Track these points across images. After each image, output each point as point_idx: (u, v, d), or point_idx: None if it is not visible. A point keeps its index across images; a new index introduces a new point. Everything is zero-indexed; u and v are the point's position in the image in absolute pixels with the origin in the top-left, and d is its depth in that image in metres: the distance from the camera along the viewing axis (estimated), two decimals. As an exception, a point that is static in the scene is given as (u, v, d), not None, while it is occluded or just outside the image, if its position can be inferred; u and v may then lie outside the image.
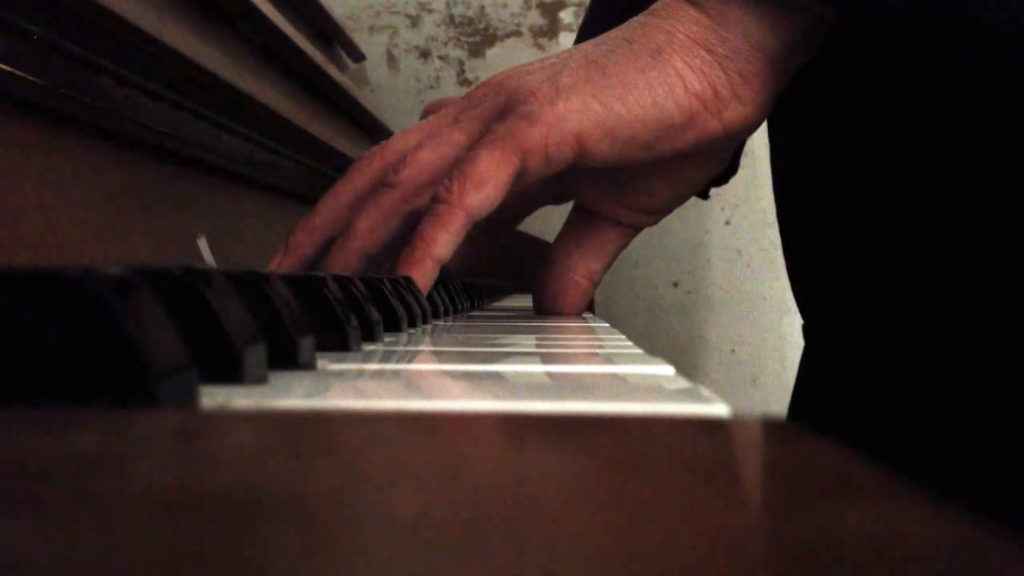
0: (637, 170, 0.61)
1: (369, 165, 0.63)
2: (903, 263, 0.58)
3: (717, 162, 0.62)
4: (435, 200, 0.58)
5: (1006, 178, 0.54)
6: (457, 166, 0.58)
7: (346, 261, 0.61)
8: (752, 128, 0.59)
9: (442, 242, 0.58)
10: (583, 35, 0.76)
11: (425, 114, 0.71)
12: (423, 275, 0.59)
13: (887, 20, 0.54)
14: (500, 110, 0.59)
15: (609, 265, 0.69)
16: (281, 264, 0.63)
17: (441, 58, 1.79)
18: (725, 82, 0.56)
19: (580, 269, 0.68)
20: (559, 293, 0.68)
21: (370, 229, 0.61)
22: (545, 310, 0.69)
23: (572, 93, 0.57)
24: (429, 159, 0.60)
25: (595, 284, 0.69)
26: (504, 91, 0.59)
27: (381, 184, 0.61)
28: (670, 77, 0.56)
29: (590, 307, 1.34)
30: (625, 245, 0.69)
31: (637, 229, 0.68)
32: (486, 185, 0.57)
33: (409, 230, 0.61)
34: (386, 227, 0.61)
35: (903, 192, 0.58)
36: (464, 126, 0.60)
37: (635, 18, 0.59)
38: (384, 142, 0.64)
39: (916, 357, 0.59)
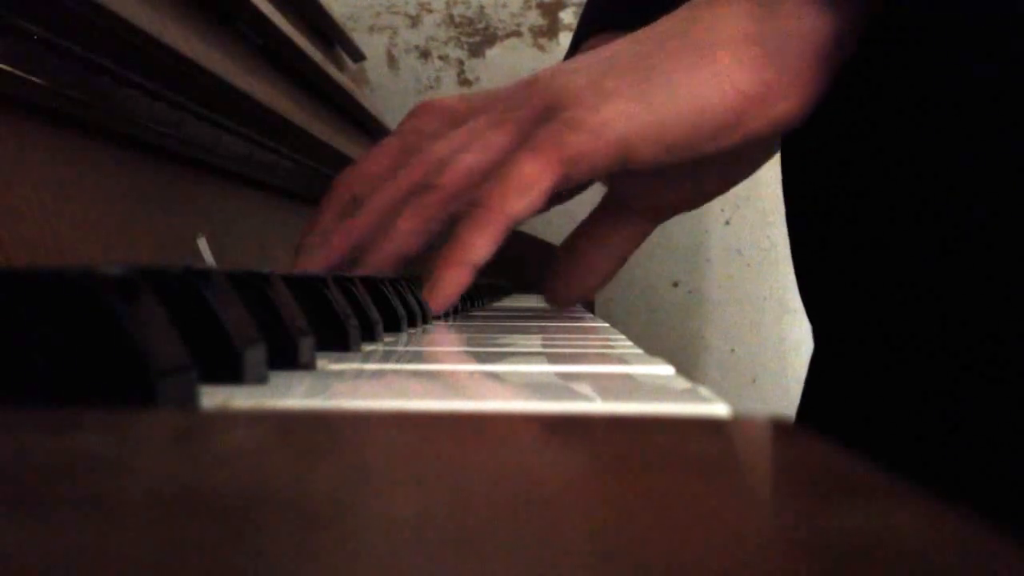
0: (682, 166, 0.59)
1: (411, 170, 0.62)
2: (912, 265, 0.58)
3: (765, 153, 0.60)
4: (475, 204, 0.57)
5: (1016, 180, 0.53)
6: (499, 171, 0.56)
7: (382, 263, 0.60)
8: (800, 123, 0.56)
9: (480, 247, 0.57)
10: (586, 15, 0.74)
11: (417, 112, 0.70)
12: (459, 279, 0.57)
13: (938, 9, 0.53)
14: (543, 113, 0.57)
15: (630, 256, 0.67)
16: (315, 264, 0.62)
17: (441, 58, 1.79)
18: (774, 78, 0.54)
19: (606, 254, 0.66)
20: (580, 279, 0.66)
21: (410, 232, 0.59)
22: (560, 296, 0.67)
23: (616, 98, 0.55)
24: (472, 163, 0.59)
25: (617, 270, 0.67)
26: (547, 93, 0.58)
27: (423, 186, 0.60)
28: (717, 76, 0.54)
29: (590, 307, 1.34)
30: (651, 232, 0.67)
31: (668, 217, 0.67)
32: (528, 192, 0.56)
33: (443, 234, 0.60)
34: (426, 230, 0.59)
35: (912, 194, 0.58)
36: (507, 129, 0.59)
37: (681, 10, 0.57)
38: (424, 146, 0.63)
39: (925, 360, 0.59)
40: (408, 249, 0.60)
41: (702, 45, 0.55)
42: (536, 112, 0.58)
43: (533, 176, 0.56)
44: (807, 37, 0.53)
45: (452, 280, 0.58)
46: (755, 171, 0.63)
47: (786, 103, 0.55)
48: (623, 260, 0.67)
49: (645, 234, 0.67)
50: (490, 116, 0.61)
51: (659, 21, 0.57)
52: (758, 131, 0.55)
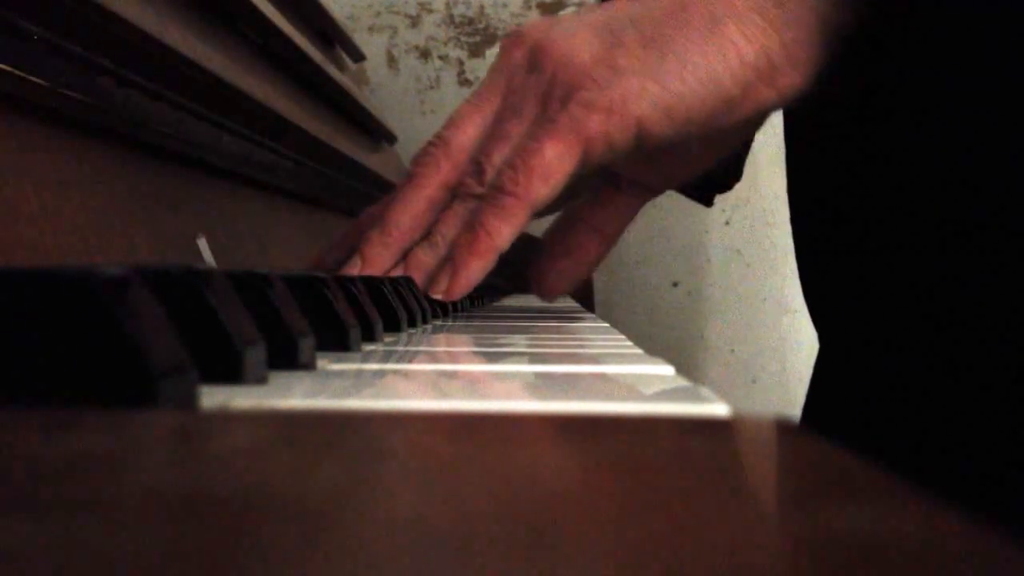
0: (682, 143, 0.58)
1: (437, 170, 0.61)
2: (916, 268, 0.58)
3: (757, 125, 0.60)
4: (499, 190, 0.57)
5: (1021, 183, 0.53)
6: (521, 157, 0.57)
7: (434, 271, 0.60)
8: (805, 93, 0.56)
9: (506, 235, 0.57)
10: None
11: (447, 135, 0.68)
12: (485, 267, 0.58)
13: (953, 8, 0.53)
14: (551, 90, 0.57)
15: (618, 238, 0.66)
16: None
17: (441, 58, 1.79)
18: (779, 49, 0.54)
19: (599, 238, 0.65)
20: (574, 266, 0.65)
21: (455, 239, 0.60)
22: (553, 287, 0.66)
23: (629, 75, 0.55)
24: (500, 163, 0.59)
25: (607, 254, 0.66)
26: (550, 63, 0.57)
27: (465, 194, 0.60)
28: (725, 49, 0.54)
29: (590, 307, 1.34)
30: (633, 218, 0.66)
31: (658, 193, 0.66)
32: (551, 178, 0.56)
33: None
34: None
35: (916, 197, 0.58)
36: (524, 114, 0.58)
37: None
38: (439, 139, 0.62)
39: (929, 362, 0.59)
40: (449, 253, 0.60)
41: (711, 17, 0.54)
42: (545, 87, 0.57)
43: (555, 161, 0.56)
44: (811, 6, 0.53)
45: (476, 268, 0.58)
46: (740, 144, 0.62)
47: (791, 75, 0.54)
48: (614, 241, 0.66)
49: (634, 213, 0.66)
50: (495, 97, 0.60)
51: None
52: (766, 102, 0.55)
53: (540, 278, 0.66)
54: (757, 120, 0.58)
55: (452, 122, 0.62)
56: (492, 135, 0.60)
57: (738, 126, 0.58)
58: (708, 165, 0.63)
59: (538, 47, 0.59)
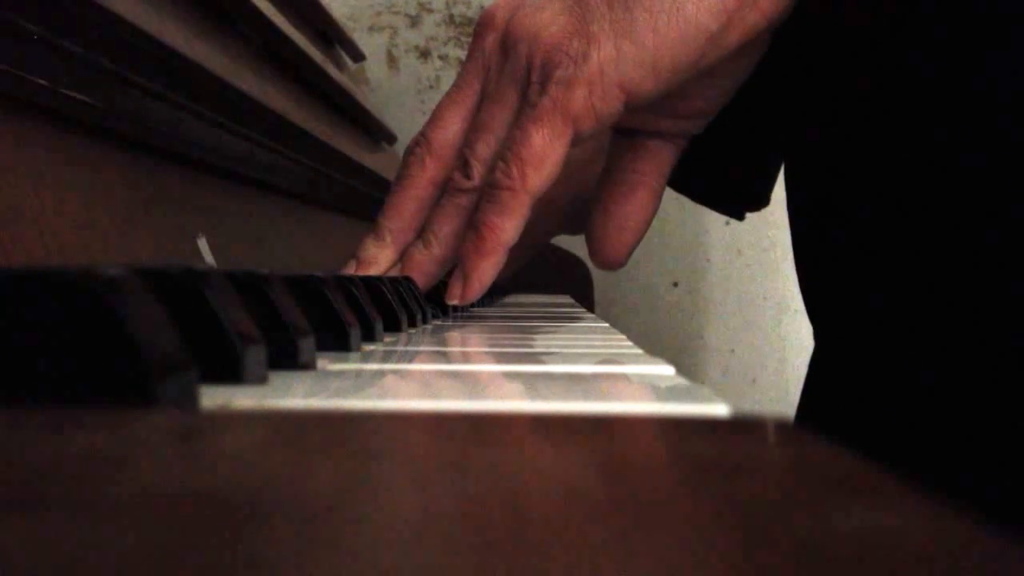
0: (683, 86, 0.57)
1: (422, 170, 0.61)
2: (913, 266, 0.58)
3: (759, 49, 0.58)
4: (495, 186, 0.57)
5: (1016, 178, 0.53)
6: (511, 147, 0.56)
7: (430, 269, 0.60)
8: (790, 10, 0.54)
9: (510, 229, 0.57)
10: None
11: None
12: (495, 266, 0.58)
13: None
14: (529, 73, 0.56)
15: (663, 188, 0.64)
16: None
17: (441, 58, 1.79)
18: None
19: (646, 187, 0.63)
20: (631, 220, 0.63)
21: (453, 235, 0.60)
22: (616, 247, 0.63)
23: (602, 40, 0.54)
24: (489, 154, 0.59)
25: (656, 209, 0.64)
26: (522, 45, 0.56)
27: (454, 189, 0.60)
28: None
29: (590, 307, 1.33)
30: (672, 165, 0.64)
31: (684, 139, 0.63)
32: (545, 164, 0.55)
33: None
34: (463, 229, 0.60)
35: (915, 194, 0.58)
36: (504, 100, 0.58)
37: None
38: (422, 138, 0.62)
39: (927, 360, 0.59)
40: (450, 252, 0.60)
41: None
42: (522, 68, 0.57)
43: (546, 148, 0.55)
44: None
45: (486, 268, 0.57)
46: (754, 66, 0.60)
47: None
48: (660, 191, 0.64)
49: (670, 160, 0.63)
50: (473, 86, 0.60)
51: None
52: (753, 27, 0.54)
53: (599, 244, 0.64)
54: (752, 46, 0.56)
55: (434, 119, 0.62)
56: (475, 127, 0.60)
57: (733, 56, 0.56)
58: (724, 99, 0.61)
59: (508, 30, 0.58)
